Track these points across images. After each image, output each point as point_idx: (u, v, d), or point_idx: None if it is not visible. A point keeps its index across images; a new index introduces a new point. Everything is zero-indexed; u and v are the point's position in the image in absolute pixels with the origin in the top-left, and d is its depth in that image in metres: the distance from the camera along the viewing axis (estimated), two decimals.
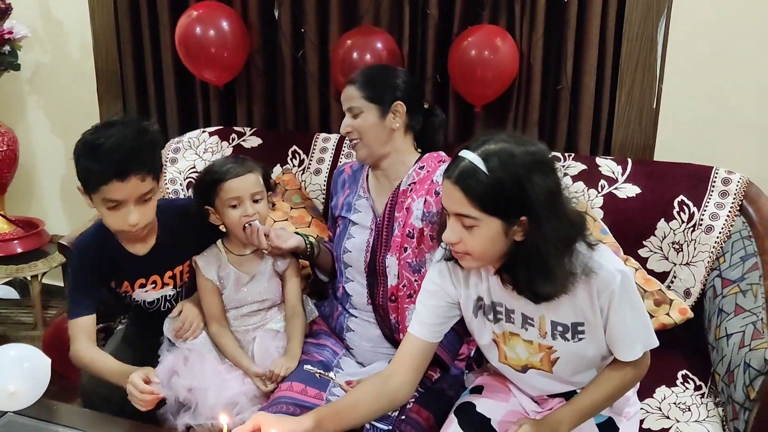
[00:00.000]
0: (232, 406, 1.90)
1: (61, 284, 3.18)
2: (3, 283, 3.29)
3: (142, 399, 1.71)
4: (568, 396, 1.71)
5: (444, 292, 1.65)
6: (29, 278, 2.81)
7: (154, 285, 2.00)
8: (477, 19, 2.37)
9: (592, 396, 1.62)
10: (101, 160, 1.70)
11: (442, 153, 2.04)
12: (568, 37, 2.31)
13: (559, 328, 1.57)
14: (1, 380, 1.62)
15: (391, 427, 1.76)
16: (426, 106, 2.07)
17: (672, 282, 2.19)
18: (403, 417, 1.77)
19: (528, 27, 2.33)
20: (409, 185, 1.98)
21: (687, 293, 2.16)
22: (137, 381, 1.71)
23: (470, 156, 1.42)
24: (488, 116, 2.46)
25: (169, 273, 2.02)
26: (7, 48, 2.67)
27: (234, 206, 1.95)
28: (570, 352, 1.59)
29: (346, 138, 2.09)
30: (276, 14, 2.60)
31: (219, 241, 2.05)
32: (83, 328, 1.89)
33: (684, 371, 2.02)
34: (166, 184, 2.43)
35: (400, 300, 1.95)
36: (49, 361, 1.70)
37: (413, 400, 1.82)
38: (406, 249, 1.95)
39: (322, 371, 1.80)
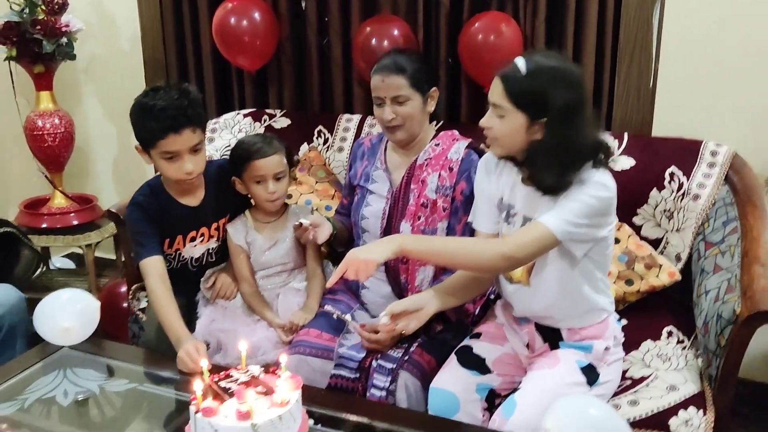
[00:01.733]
0: (257, 349, 2.14)
1: (113, 257, 3.49)
2: (62, 256, 3.62)
3: (192, 368, 1.86)
4: (552, 340, 1.91)
5: (487, 183, 1.94)
6: (84, 248, 3.11)
7: (202, 238, 2.24)
8: (485, 5, 2.56)
9: (452, 239, 1.97)
10: (157, 118, 1.98)
11: (455, 132, 2.24)
12: (568, 21, 2.48)
13: None
14: (56, 318, 1.89)
15: (395, 365, 1.97)
16: None
17: (665, 247, 2.35)
18: (407, 358, 1.98)
19: (531, 12, 2.51)
20: (426, 160, 2.17)
21: (678, 257, 2.32)
22: (192, 351, 1.89)
23: (519, 60, 1.71)
24: None
25: (215, 224, 2.25)
26: (64, 40, 2.95)
27: (258, 182, 2.19)
28: (545, 258, 1.78)
29: (380, 123, 2.19)
30: (303, 5, 2.84)
31: (247, 210, 2.29)
32: (153, 266, 2.08)
33: (669, 327, 2.18)
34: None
35: (411, 262, 2.15)
36: (98, 303, 1.96)
37: (417, 344, 2.03)
38: (420, 217, 2.14)
39: (339, 312, 2.04)
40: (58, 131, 3.06)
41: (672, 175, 2.33)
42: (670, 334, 2.17)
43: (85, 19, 3.27)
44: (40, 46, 2.85)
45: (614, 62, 2.53)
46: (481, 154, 2.17)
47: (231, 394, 1.55)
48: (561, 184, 1.72)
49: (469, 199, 2.08)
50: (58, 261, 3.54)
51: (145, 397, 1.78)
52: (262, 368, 1.65)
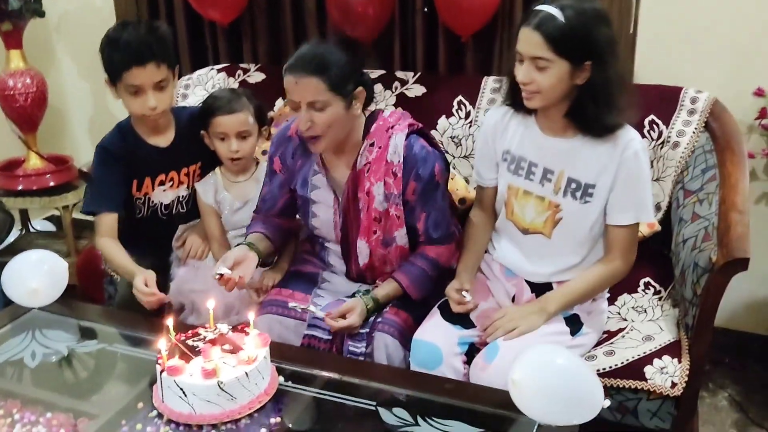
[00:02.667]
0: (230, 308, 2.13)
1: (92, 218, 3.45)
2: (43, 219, 3.58)
3: (146, 301, 1.93)
4: (540, 292, 1.92)
5: (490, 138, 1.95)
6: (61, 209, 3.07)
7: (171, 183, 2.22)
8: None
9: (580, 283, 1.88)
10: (122, 50, 2.01)
11: (386, 116, 1.97)
12: None
13: (573, 185, 1.82)
14: (24, 279, 1.86)
15: (368, 329, 1.93)
16: None
17: None
18: (380, 319, 1.95)
19: None
20: (365, 165, 1.94)
21: (658, 207, 2.28)
22: (139, 284, 1.93)
23: (548, 8, 1.68)
24: (475, 46, 2.59)
25: (185, 170, 2.23)
26: None
27: (222, 139, 2.14)
28: (573, 214, 1.84)
29: (297, 131, 1.92)
30: None
31: (218, 168, 2.25)
32: (106, 225, 2.12)
33: (647, 279, 2.17)
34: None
35: (377, 268, 2.06)
36: (66, 264, 1.94)
37: (390, 304, 2.00)
38: (375, 231, 1.99)
39: (304, 306, 1.94)
40: (30, 91, 2.99)
41: (652, 123, 2.29)
42: (647, 285, 2.16)
43: None
44: (6, 3, 2.77)
45: None
46: (422, 134, 1.98)
47: (197, 353, 1.53)
48: (622, 119, 1.76)
49: (424, 192, 1.93)
50: (38, 224, 3.50)
51: (115, 357, 1.77)
52: (230, 327, 1.64)
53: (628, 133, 1.80)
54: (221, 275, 1.85)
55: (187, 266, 2.24)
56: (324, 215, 2.04)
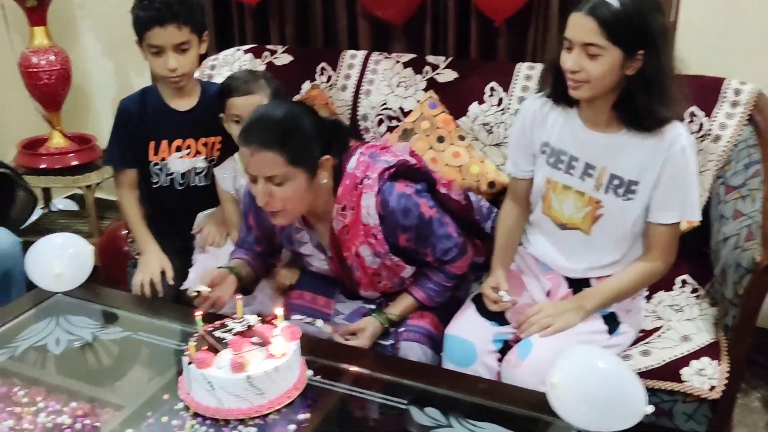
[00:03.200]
0: (252, 299, 2.08)
1: (114, 198, 3.42)
2: (65, 197, 3.55)
3: (144, 291, 2.00)
4: (577, 288, 1.87)
5: (528, 127, 1.88)
6: (84, 189, 3.04)
7: (189, 151, 2.21)
8: None
9: (619, 280, 1.82)
10: (146, 8, 2.05)
11: (351, 167, 1.77)
12: None
13: (615, 182, 1.76)
14: (48, 263, 1.82)
15: (393, 341, 1.87)
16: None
17: None
18: (403, 328, 1.88)
19: None
20: (343, 228, 1.80)
21: None
22: (147, 276, 2.04)
23: None
24: (509, 31, 2.52)
25: (203, 140, 2.23)
26: None
27: (236, 122, 2.08)
28: (614, 211, 1.78)
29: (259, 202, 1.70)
30: None
31: (237, 154, 2.19)
32: (128, 179, 2.22)
33: (684, 276, 2.10)
34: None
35: (388, 293, 1.97)
36: (91, 248, 1.90)
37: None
38: (380, 281, 1.89)
39: (309, 319, 1.86)
40: (54, 68, 2.95)
41: (692, 114, 2.21)
42: (684, 283, 2.09)
43: None
44: None
45: None
46: (397, 174, 1.80)
47: (225, 345, 1.50)
48: (674, 113, 1.70)
49: (419, 236, 1.79)
50: (60, 202, 3.48)
51: (139, 345, 1.73)
52: (259, 318, 1.60)
53: (676, 127, 1.73)
54: (198, 293, 1.77)
55: (207, 253, 2.19)
56: (319, 264, 1.95)
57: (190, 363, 1.45)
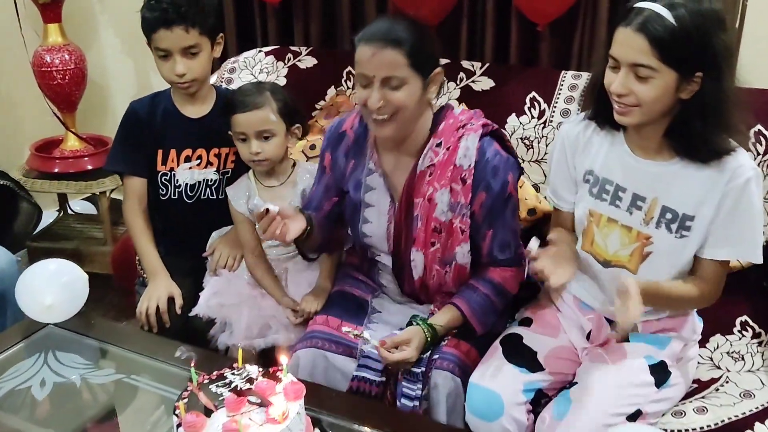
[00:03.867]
0: (266, 328, 1.93)
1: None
2: (82, 199, 3.42)
3: (149, 321, 1.88)
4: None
5: (569, 153, 1.68)
6: (98, 194, 2.90)
7: (199, 161, 2.06)
8: None
9: (667, 287, 1.59)
10: (152, 9, 1.92)
11: (456, 113, 1.76)
12: None
13: (668, 216, 1.56)
14: (39, 294, 1.68)
15: (424, 369, 1.70)
16: None
17: None
18: (436, 356, 1.72)
19: None
20: (428, 168, 1.73)
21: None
22: (153, 304, 1.91)
23: (655, 6, 1.41)
24: (553, 35, 2.30)
25: (215, 150, 2.07)
26: None
27: (243, 140, 1.92)
28: (666, 249, 1.57)
29: (363, 110, 1.69)
30: None
31: (250, 171, 2.02)
32: (133, 188, 2.07)
33: (744, 317, 1.88)
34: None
35: (431, 287, 1.84)
36: (86, 277, 1.75)
37: (449, 336, 1.77)
38: (434, 244, 1.77)
39: (357, 333, 1.73)
40: (68, 68, 2.81)
41: (758, 134, 1.97)
42: (744, 325, 1.87)
43: None
44: None
45: None
46: (497, 136, 1.76)
47: (221, 403, 1.32)
48: (728, 145, 1.49)
49: (493, 206, 1.71)
50: (77, 205, 3.35)
51: (133, 392, 1.57)
52: (260, 371, 1.42)
53: (738, 157, 1.51)
54: (267, 210, 1.62)
55: (219, 277, 2.03)
56: (377, 221, 1.82)
57: (179, 425, 1.28)
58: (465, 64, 2.34)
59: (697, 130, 1.48)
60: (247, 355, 1.91)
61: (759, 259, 1.57)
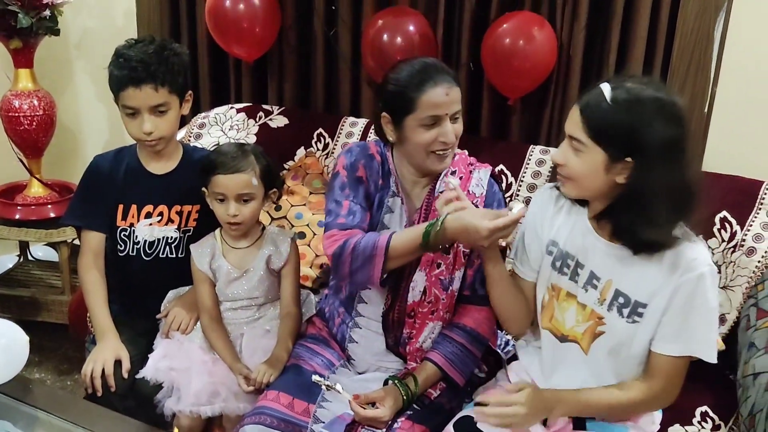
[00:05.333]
0: (215, 395, 1.86)
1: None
2: (45, 245, 3.35)
3: (94, 384, 1.82)
4: (579, 418, 1.61)
5: (537, 221, 1.67)
6: (59, 244, 2.83)
7: (159, 218, 2.02)
8: (516, 4, 2.20)
9: (601, 395, 1.57)
10: (121, 67, 1.89)
11: (466, 153, 1.89)
12: (612, 29, 2.12)
13: (620, 300, 1.53)
14: None
15: None
16: None
17: None
18: None
19: (570, 16, 2.15)
20: (442, 192, 1.77)
21: (722, 319, 1.96)
22: (99, 367, 1.84)
23: (604, 84, 1.44)
24: (524, 110, 2.30)
25: (177, 207, 2.03)
26: (47, 13, 2.65)
27: (221, 200, 1.88)
28: (616, 332, 1.54)
29: (427, 147, 1.74)
30: None
31: (217, 230, 1.98)
32: (93, 241, 2.01)
33: (704, 408, 1.84)
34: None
35: (418, 316, 1.81)
36: (26, 339, 1.68)
37: (403, 417, 1.72)
38: (439, 265, 1.78)
39: (330, 384, 1.69)
40: (36, 114, 2.76)
41: (723, 220, 1.97)
42: (704, 416, 1.84)
43: None
44: (15, 19, 2.55)
45: (663, 81, 2.15)
46: (498, 182, 1.88)
47: None
48: (664, 238, 1.46)
49: None
50: (39, 250, 3.27)
51: None
52: None
53: (694, 250, 1.47)
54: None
55: (171, 339, 1.97)
56: None
57: None
58: None
59: (621, 218, 1.48)
60: (194, 422, 1.86)
61: (712, 359, 1.51)
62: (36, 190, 2.89)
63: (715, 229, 1.97)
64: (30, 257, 3.18)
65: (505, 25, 2.14)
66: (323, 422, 1.70)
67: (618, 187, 1.46)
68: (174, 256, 2.05)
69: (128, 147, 2.08)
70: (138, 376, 1.90)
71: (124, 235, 2.02)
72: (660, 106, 1.41)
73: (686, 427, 1.80)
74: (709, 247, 1.96)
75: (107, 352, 1.88)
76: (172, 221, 2.03)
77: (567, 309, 1.61)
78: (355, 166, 1.85)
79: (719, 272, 1.96)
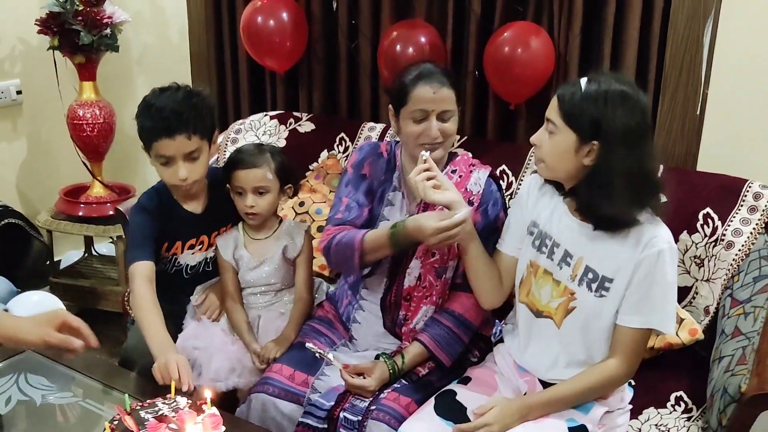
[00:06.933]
0: (231, 371, 2.05)
1: None
2: (109, 242, 3.67)
3: (165, 381, 1.74)
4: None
5: (523, 202, 1.83)
6: (115, 239, 3.13)
7: (201, 245, 2.16)
8: (517, 15, 2.35)
9: (568, 388, 1.71)
10: (152, 118, 1.94)
11: (470, 155, 2.06)
12: (605, 36, 2.24)
13: (590, 275, 1.67)
14: None
15: (360, 418, 1.81)
16: None
17: (694, 298, 2.08)
18: (374, 407, 1.82)
19: (565, 24, 2.28)
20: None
21: (706, 311, 2.05)
22: (171, 365, 1.75)
23: (583, 79, 1.63)
24: (529, 112, 2.44)
25: (215, 233, 2.18)
26: (107, 31, 2.96)
27: (240, 193, 2.09)
28: (586, 306, 1.68)
29: (414, 140, 1.91)
30: (334, 5, 2.71)
31: (240, 223, 2.19)
32: (143, 270, 1.97)
33: (679, 393, 1.93)
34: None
35: (414, 300, 1.98)
36: (62, 305, 1.93)
37: (389, 389, 1.87)
38: (433, 254, 1.95)
39: (321, 351, 1.88)
40: (97, 122, 3.08)
41: (707, 216, 2.06)
42: (679, 400, 1.92)
43: (138, 9, 3.30)
44: (78, 37, 2.87)
45: (658, 84, 2.26)
46: (498, 183, 2.02)
47: (144, 428, 1.47)
48: (622, 215, 1.61)
49: (482, 231, 1.89)
50: (104, 247, 3.59)
51: (81, 413, 1.73)
52: (189, 402, 1.57)
53: (656, 229, 1.62)
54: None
55: (199, 322, 2.19)
56: None
57: None
58: None
59: (583, 195, 1.64)
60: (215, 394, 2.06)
61: (670, 330, 1.66)
62: (97, 190, 3.20)
63: (698, 225, 2.05)
64: (94, 252, 3.51)
65: (504, 35, 2.29)
66: (320, 392, 1.89)
67: (585, 169, 1.62)
68: (210, 269, 2.20)
69: (159, 187, 2.11)
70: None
71: (166, 260, 2.14)
72: (624, 98, 1.59)
73: (659, 410, 1.89)
74: (693, 241, 2.06)
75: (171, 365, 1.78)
76: (212, 245, 2.17)
77: (543, 286, 1.75)
78: (361, 164, 2.05)
79: (702, 266, 2.05)
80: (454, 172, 1.98)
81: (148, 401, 1.56)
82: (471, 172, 1.99)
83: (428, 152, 1.84)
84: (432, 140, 1.90)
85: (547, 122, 1.67)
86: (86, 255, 3.48)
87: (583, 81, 1.62)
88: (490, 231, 1.92)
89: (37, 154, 3.36)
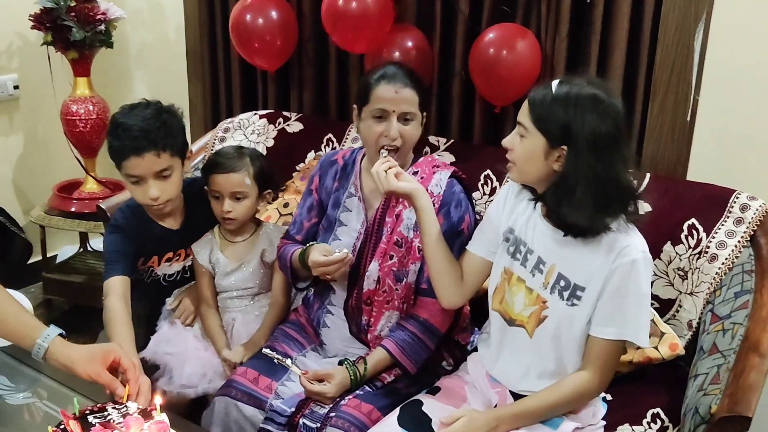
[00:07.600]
0: (202, 376, 2.03)
1: None
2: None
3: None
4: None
5: (500, 207, 1.79)
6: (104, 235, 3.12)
7: (178, 257, 2.15)
8: (504, 16, 2.29)
9: (538, 400, 1.66)
10: (119, 137, 1.91)
11: (434, 157, 2.02)
12: (592, 39, 2.17)
13: (562, 283, 1.63)
14: None
15: (319, 425, 1.78)
16: None
17: (677, 311, 2.01)
18: (333, 414, 1.79)
19: (553, 26, 2.22)
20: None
21: (689, 325, 1.98)
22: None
23: (555, 81, 1.59)
24: (514, 116, 2.37)
25: (194, 243, 2.15)
26: (102, 27, 2.95)
27: (216, 197, 2.06)
28: (558, 314, 1.64)
29: (373, 141, 1.89)
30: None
31: (216, 227, 2.17)
32: (117, 285, 1.96)
33: (656, 410, 1.87)
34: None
35: (375, 304, 1.94)
36: (30, 305, 1.91)
37: (351, 396, 1.84)
38: (391, 256, 1.91)
39: (279, 357, 1.87)
40: (90, 117, 3.07)
41: (691, 228, 1.99)
42: (655, 417, 1.86)
43: (137, 6, 3.29)
44: (70, 33, 2.86)
45: (647, 90, 2.19)
46: (464, 183, 1.96)
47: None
48: (590, 223, 1.55)
49: (445, 234, 1.84)
50: (99, 243, 3.58)
51: (37, 415, 1.71)
52: (138, 408, 1.54)
53: (628, 238, 1.57)
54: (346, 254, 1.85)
55: (172, 325, 2.16)
56: (345, 239, 1.98)
57: None
58: (431, 138, 2.44)
59: (549, 200, 1.60)
60: (180, 401, 2.02)
61: (644, 343, 1.60)
62: (91, 186, 3.20)
63: (682, 236, 1.98)
64: (89, 248, 3.51)
65: (489, 36, 2.23)
66: (282, 398, 1.86)
67: (555, 174, 1.57)
68: (189, 276, 2.19)
69: (132, 204, 2.08)
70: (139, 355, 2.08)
71: (143, 272, 2.13)
72: (595, 102, 1.53)
73: (634, 427, 1.82)
74: (677, 253, 1.99)
75: None
76: (189, 255, 2.15)
77: (516, 293, 1.70)
78: (312, 179, 2.08)
79: (686, 278, 1.98)
80: (416, 173, 1.94)
81: (98, 405, 1.53)
82: (434, 173, 1.95)
83: (385, 151, 1.84)
84: (391, 141, 1.87)
85: (518, 126, 1.62)
86: (81, 250, 3.48)
87: (555, 84, 1.57)
88: (453, 234, 1.88)
89: (33, 149, 3.37)
